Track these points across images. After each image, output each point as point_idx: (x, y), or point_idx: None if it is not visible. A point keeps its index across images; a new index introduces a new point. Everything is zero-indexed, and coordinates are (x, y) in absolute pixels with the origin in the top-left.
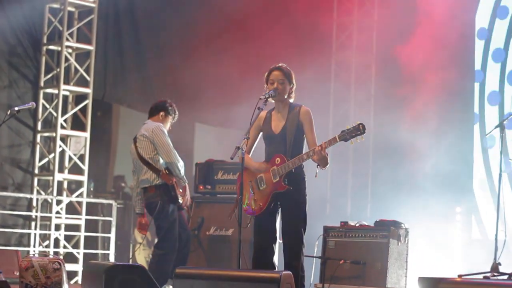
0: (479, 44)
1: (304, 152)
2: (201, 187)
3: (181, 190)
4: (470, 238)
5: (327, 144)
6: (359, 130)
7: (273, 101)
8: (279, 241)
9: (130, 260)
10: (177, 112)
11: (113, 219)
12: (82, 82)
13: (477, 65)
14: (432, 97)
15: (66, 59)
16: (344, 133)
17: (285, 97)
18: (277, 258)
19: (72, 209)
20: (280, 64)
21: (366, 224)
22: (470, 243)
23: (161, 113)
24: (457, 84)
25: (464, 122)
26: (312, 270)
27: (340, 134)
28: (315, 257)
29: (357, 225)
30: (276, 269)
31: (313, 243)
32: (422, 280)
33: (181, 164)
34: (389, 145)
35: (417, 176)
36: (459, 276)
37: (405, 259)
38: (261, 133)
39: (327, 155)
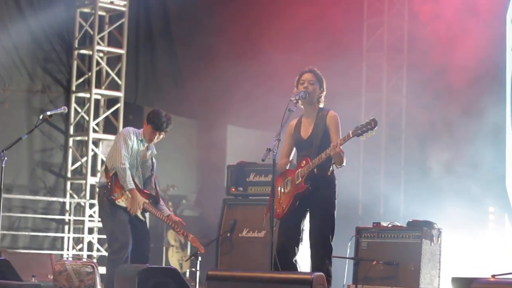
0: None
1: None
2: (233, 189)
3: (123, 193)
4: (504, 238)
5: (342, 141)
6: (370, 124)
7: (302, 107)
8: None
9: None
10: (160, 124)
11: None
12: (114, 86)
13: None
14: (465, 98)
15: (98, 63)
16: (357, 129)
17: (315, 100)
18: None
19: None
20: (311, 67)
21: (399, 224)
22: (504, 242)
23: (145, 120)
24: (490, 83)
25: (497, 122)
26: (345, 271)
27: (353, 130)
28: (348, 258)
29: (389, 225)
30: (298, 269)
31: (345, 244)
32: (455, 280)
33: (125, 167)
34: (422, 146)
35: (450, 177)
36: (493, 276)
37: (438, 260)
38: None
39: (343, 153)
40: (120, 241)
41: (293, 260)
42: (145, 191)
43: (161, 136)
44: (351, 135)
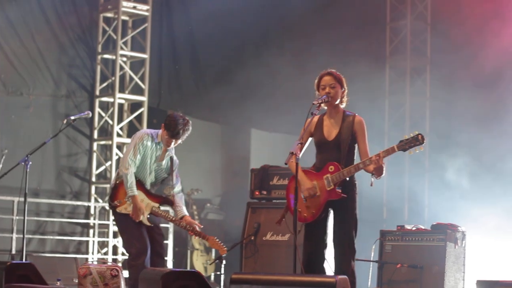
0: None
1: (355, 160)
2: (257, 193)
3: (126, 200)
4: None
5: (385, 154)
6: (418, 140)
7: (325, 107)
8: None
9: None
10: (175, 132)
11: (170, 226)
12: (137, 90)
13: None
14: (489, 99)
15: (121, 68)
16: (402, 143)
17: (337, 102)
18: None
19: None
20: (329, 70)
21: (423, 227)
22: None
23: (163, 124)
24: None
25: None
26: (369, 275)
27: (398, 144)
28: (372, 261)
29: (413, 228)
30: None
31: (370, 247)
32: (480, 283)
33: (128, 172)
34: (445, 148)
35: (475, 179)
36: None
37: (462, 262)
38: (310, 138)
39: (384, 164)
40: (137, 246)
41: (323, 266)
42: (155, 195)
43: (179, 141)
44: (396, 149)
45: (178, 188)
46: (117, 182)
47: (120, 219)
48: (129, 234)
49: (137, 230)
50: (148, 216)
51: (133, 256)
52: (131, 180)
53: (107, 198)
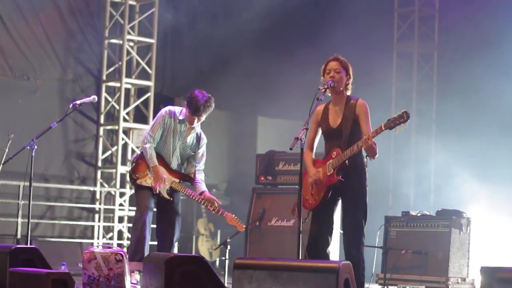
0: None
1: None
2: (263, 178)
3: (147, 173)
4: None
5: (374, 134)
6: (402, 117)
7: (330, 95)
8: (340, 231)
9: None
10: (195, 109)
11: None
12: (144, 75)
13: None
14: (498, 84)
15: (128, 53)
16: (389, 122)
17: (341, 88)
18: (338, 249)
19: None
20: (336, 55)
21: (428, 213)
22: None
23: (185, 102)
24: None
25: None
26: (373, 260)
27: (386, 123)
28: (377, 247)
29: (418, 214)
30: (330, 259)
31: (374, 233)
32: (484, 269)
33: (146, 146)
34: (452, 135)
35: (482, 165)
36: None
37: (467, 249)
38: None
39: (375, 145)
40: (137, 212)
41: (326, 251)
42: (176, 171)
43: (202, 118)
44: (383, 128)
45: (200, 166)
46: (139, 156)
47: (137, 190)
48: (136, 200)
49: (145, 199)
50: (168, 189)
51: (133, 220)
52: (150, 153)
53: (112, 182)
